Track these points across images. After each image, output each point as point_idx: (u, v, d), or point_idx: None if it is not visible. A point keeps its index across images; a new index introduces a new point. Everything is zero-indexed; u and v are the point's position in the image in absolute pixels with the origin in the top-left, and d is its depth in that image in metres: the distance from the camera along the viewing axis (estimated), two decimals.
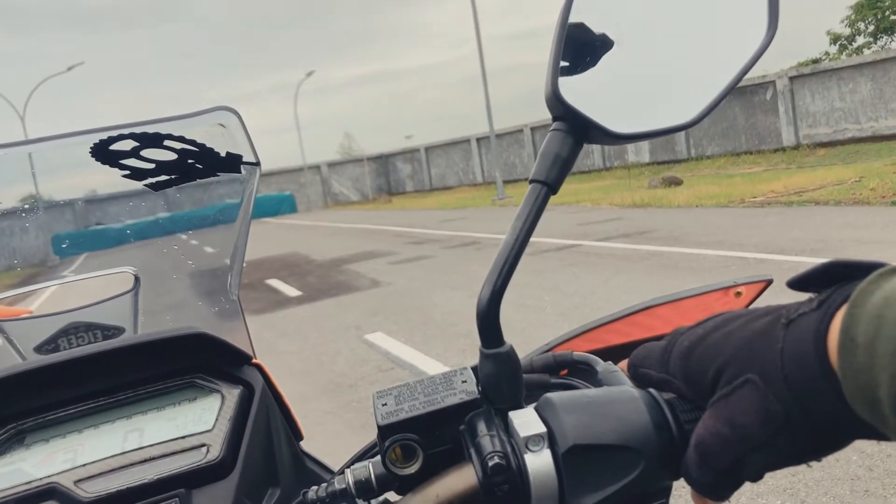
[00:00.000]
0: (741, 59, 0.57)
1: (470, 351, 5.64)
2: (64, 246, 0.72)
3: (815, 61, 29.05)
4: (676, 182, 18.39)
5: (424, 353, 5.85)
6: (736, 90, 18.16)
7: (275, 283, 11.69)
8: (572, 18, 0.57)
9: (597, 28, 0.57)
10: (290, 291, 10.55)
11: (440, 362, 5.51)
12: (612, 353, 0.71)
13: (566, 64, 0.56)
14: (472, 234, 14.66)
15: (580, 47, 0.57)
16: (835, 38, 32.00)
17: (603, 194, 17.85)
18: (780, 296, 0.45)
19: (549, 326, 6.10)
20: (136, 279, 0.72)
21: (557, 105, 0.56)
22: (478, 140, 36.66)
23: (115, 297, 0.72)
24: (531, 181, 0.57)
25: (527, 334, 5.89)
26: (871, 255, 6.80)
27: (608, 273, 8.12)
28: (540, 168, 0.57)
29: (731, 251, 8.23)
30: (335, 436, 4.40)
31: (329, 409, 4.94)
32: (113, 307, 0.72)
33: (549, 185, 0.57)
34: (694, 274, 7.37)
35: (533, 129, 32.90)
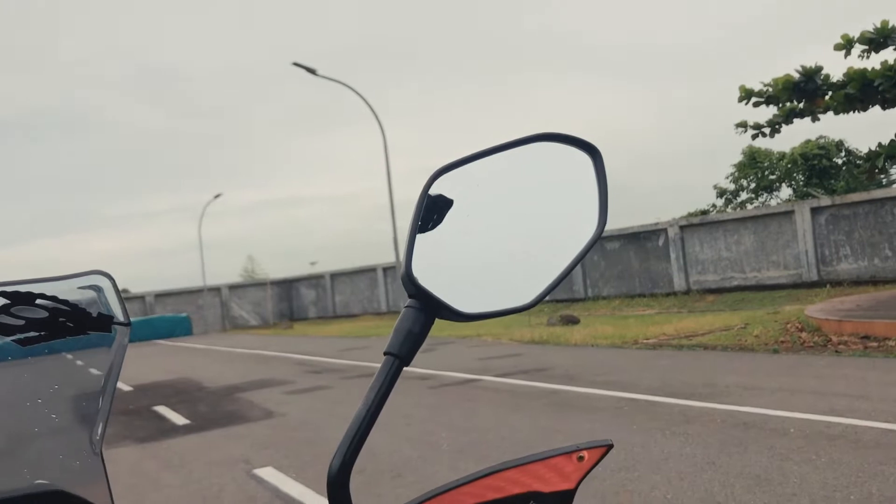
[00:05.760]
0: (574, 249, 0.64)
1: (363, 490, 5.49)
2: None
3: (704, 212, 31.09)
4: (574, 321, 18.89)
5: (316, 490, 5.65)
6: (631, 236, 18.98)
7: (162, 409, 11.17)
8: (427, 205, 0.63)
9: (448, 216, 0.64)
10: (178, 420, 10.08)
11: None
12: None
13: (421, 246, 0.62)
14: (372, 365, 14.51)
15: (434, 232, 0.63)
16: (721, 193, 34.45)
17: (503, 329, 18.12)
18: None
19: (444, 464, 6.02)
20: None
21: (410, 285, 0.61)
22: (384, 269, 36.95)
23: None
24: (385, 353, 0.62)
25: (421, 472, 5.79)
26: (753, 401, 7.07)
27: (506, 410, 8.14)
28: (394, 342, 0.62)
29: (623, 392, 8.42)
30: None
31: None
32: None
33: (401, 358, 0.61)
34: (588, 413, 7.49)
35: None
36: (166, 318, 38.89)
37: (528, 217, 0.65)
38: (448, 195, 0.63)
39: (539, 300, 0.63)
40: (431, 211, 0.63)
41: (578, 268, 27.87)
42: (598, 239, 0.65)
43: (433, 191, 0.63)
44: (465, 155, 0.65)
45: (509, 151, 0.65)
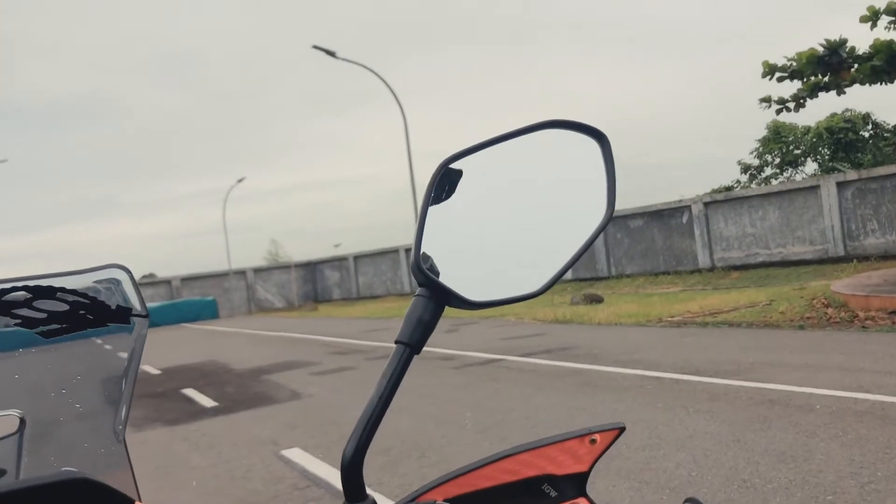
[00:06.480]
0: (583, 236, 0.64)
1: (388, 470, 5.55)
2: None
3: (728, 188, 30.73)
4: (597, 299, 18.83)
5: None
6: (654, 213, 18.70)
7: (190, 392, 11.32)
8: (436, 194, 0.64)
9: (457, 205, 0.65)
10: (206, 402, 10.23)
11: None
12: (480, 497, 0.75)
13: (430, 235, 0.63)
14: None
15: (443, 221, 0.64)
16: (745, 168, 34.00)
17: (526, 309, 18.11)
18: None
19: (468, 444, 6.06)
20: (22, 421, 0.73)
21: (420, 274, 0.62)
22: (406, 250, 37.03)
23: None
24: (396, 342, 0.63)
25: (445, 452, 5.84)
26: (778, 378, 7.02)
27: (530, 390, 8.17)
28: (405, 330, 0.63)
29: (648, 370, 8.40)
30: None
31: None
32: None
33: (412, 347, 0.62)
34: (612, 393, 7.48)
35: None
36: (192, 302, 39.30)
37: (536, 204, 0.65)
38: (456, 184, 0.64)
39: (548, 287, 0.64)
40: (440, 200, 0.64)
41: (602, 246, 27.51)
42: (607, 225, 0.65)
43: (441, 180, 0.64)
44: (473, 143, 0.65)
45: (517, 139, 0.66)
